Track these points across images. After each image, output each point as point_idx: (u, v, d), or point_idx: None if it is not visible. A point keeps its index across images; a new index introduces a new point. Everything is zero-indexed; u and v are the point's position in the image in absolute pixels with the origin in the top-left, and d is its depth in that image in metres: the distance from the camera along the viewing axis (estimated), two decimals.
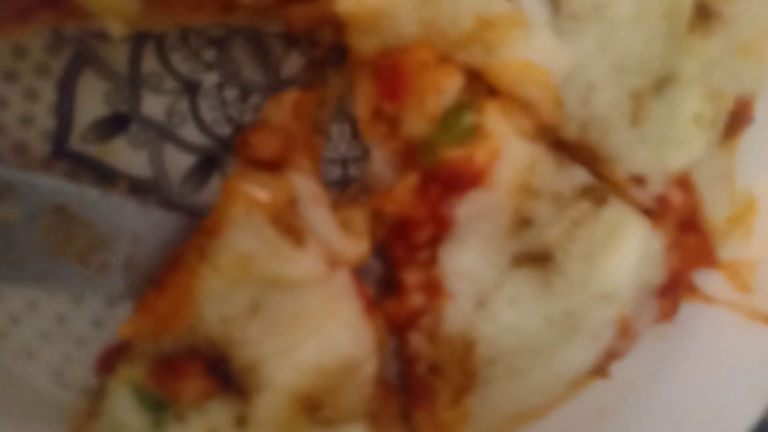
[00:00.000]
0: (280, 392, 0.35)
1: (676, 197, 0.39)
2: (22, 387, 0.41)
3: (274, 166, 0.37)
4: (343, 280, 0.37)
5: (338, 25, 0.37)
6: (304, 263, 0.35)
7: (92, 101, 0.41)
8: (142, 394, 0.35)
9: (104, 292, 0.39)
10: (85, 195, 0.36)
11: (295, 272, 0.35)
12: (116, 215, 0.37)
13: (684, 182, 0.39)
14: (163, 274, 0.36)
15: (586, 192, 0.38)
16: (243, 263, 0.35)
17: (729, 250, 0.43)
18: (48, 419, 0.41)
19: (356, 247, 0.37)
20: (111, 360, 0.38)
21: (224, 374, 0.35)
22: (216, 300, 0.34)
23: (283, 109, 0.39)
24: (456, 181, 0.36)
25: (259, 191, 0.35)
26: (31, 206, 0.35)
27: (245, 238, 0.35)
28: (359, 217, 0.38)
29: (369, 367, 0.37)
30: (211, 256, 0.35)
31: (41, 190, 0.36)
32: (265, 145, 0.37)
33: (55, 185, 0.36)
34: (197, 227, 0.36)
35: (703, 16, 0.38)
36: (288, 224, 0.35)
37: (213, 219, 0.35)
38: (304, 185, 0.37)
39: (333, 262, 0.36)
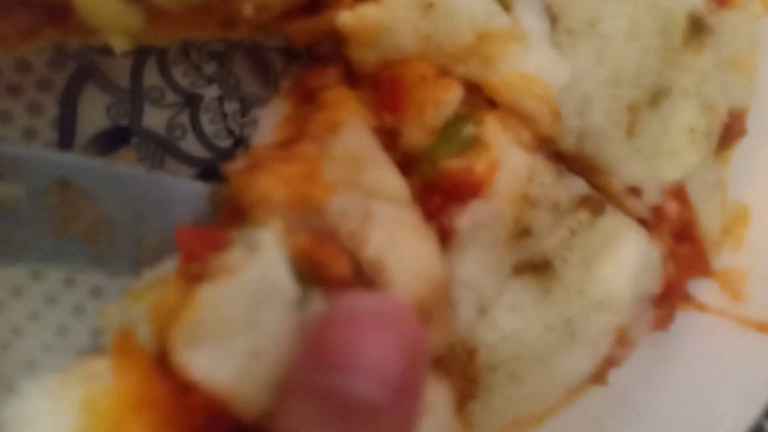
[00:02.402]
0: (404, 291, 0.32)
1: (671, 207, 0.40)
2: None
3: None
4: (418, 210, 0.35)
5: (338, 39, 0.38)
6: (398, 179, 0.34)
7: (94, 115, 0.41)
8: (296, 263, 0.30)
9: (113, 270, 0.36)
10: (90, 167, 0.34)
11: (392, 185, 0.34)
12: (124, 187, 0.34)
13: (678, 193, 0.40)
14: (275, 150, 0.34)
15: (583, 202, 0.38)
16: (356, 162, 0.33)
17: (722, 259, 0.44)
18: None
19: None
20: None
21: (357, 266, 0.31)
22: (338, 191, 0.32)
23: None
24: (456, 192, 0.36)
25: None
26: (34, 183, 0.34)
27: (357, 139, 0.34)
28: None
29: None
30: (332, 146, 0.34)
31: (44, 164, 0.34)
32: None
33: (59, 158, 0.34)
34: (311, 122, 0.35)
35: (696, 30, 0.39)
36: (384, 142, 0.35)
37: (329, 115, 0.35)
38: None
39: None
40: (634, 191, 0.39)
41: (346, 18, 0.36)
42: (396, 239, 0.32)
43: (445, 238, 0.37)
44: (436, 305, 0.33)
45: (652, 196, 0.39)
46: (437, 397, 0.35)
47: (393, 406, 0.24)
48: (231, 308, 0.28)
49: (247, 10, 0.36)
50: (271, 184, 0.31)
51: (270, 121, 0.40)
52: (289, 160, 0.33)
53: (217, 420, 0.28)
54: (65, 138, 0.41)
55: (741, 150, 0.43)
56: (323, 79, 0.38)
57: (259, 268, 0.29)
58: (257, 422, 0.28)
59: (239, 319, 0.28)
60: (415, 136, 0.37)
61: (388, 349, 0.24)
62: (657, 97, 0.38)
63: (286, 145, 0.36)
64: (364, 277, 0.31)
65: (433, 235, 0.35)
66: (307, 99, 0.39)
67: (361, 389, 0.24)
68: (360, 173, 0.33)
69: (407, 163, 0.39)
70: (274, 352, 0.28)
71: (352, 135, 0.34)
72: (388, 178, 0.35)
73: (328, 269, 0.30)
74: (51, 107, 0.41)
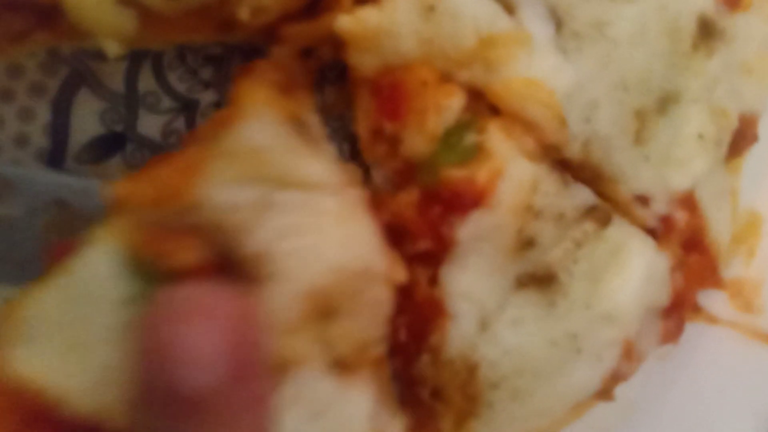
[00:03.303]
0: (294, 282, 0.30)
1: (681, 217, 0.39)
2: None
3: (281, 87, 0.35)
4: (356, 197, 0.34)
5: (337, 43, 0.37)
6: (319, 166, 0.32)
7: (88, 121, 0.41)
8: (131, 258, 0.30)
9: None
10: (86, 187, 0.36)
11: (309, 173, 0.32)
12: None
13: (688, 202, 0.39)
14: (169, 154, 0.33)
15: (589, 212, 0.37)
16: (257, 154, 0.31)
17: (732, 269, 0.43)
18: None
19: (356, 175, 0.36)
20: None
21: (227, 261, 0.30)
22: (227, 185, 0.30)
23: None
24: (457, 202, 0.35)
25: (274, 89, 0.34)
26: (31, 202, 0.35)
27: (260, 131, 0.32)
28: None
29: (384, 290, 0.33)
30: (224, 142, 0.32)
31: (41, 184, 0.35)
32: (272, 71, 0.36)
33: (55, 179, 0.36)
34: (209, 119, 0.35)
35: (706, 34, 0.38)
36: (302, 131, 0.34)
37: (227, 110, 0.34)
38: (310, 114, 0.36)
39: (341, 182, 0.34)
40: (642, 200, 0.38)
41: (345, 22, 0.36)
42: (302, 228, 0.31)
43: (446, 249, 0.36)
44: (345, 297, 0.32)
45: (660, 205, 0.38)
46: (352, 400, 0.33)
47: (224, 396, 0.25)
48: (54, 306, 0.29)
49: (243, 13, 0.35)
50: (132, 188, 0.31)
51: None
52: (169, 162, 0.32)
53: (48, 419, 0.28)
54: (58, 145, 0.40)
55: (753, 157, 0.42)
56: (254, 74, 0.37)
57: (83, 266, 0.29)
58: (94, 421, 0.28)
59: (62, 317, 0.29)
60: (416, 143, 0.36)
61: (208, 340, 0.25)
62: (665, 102, 0.37)
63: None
64: (242, 269, 0.30)
65: (370, 223, 0.33)
66: None
67: (183, 380, 0.24)
68: (264, 165, 0.31)
69: (408, 171, 0.38)
70: (102, 348, 0.28)
71: (253, 127, 0.32)
72: (304, 165, 0.32)
73: (171, 261, 0.29)
74: (44, 113, 0.40)
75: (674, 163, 0.38)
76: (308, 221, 0.31)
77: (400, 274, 0.34)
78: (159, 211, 0.30)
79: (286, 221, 0.31)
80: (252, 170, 0.31)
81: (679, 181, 0.38)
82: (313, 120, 0.36)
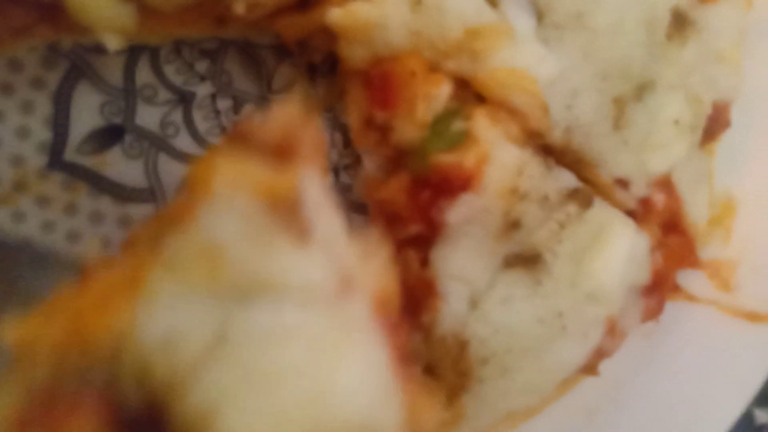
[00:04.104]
0: None
1: (659, 199, 0.40)
2: None
3: (276, 154, 0.26)
4: (359, 309, 0.25)
5: (329, 36, 0.39)
6: (306, 265, 0.24)
7: (87, 113, 0.42)
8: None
9: None
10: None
11: (290, 275, 0.24)
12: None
13: (666, 185, 0.41)
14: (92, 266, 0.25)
15: (572, 195, 0.39)
16: (214, 256, 0.23)
17: (710, 250, 0.45)
18: None
19: (375, 267, 0.26)
20: None
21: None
22: (164, 311, 0.22)
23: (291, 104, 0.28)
24: (447, 186, 0.37)
25: (253, 162, 0.25)
26: None
27: (224, 221, 0.24)
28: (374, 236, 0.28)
29: None
30: (169, 247, 0.24)
31: None
32: (269, 127, 0.27)
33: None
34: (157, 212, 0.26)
35: (680, 24, 0.39)
36: (287, 217, 0.24)
37: (181, 199, 0.25)
38: (312, 183, 0.26)
39: (345, 282, 0.25)
40: (622, 183, 0.40)
41: (336, 15, 0.37)
42: (269, 369, 0.22)
43: (436, 231, 0.38)
44: None
45: (639, 187, 0.40)
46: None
47: None
48: None
49: (239, 8, 0.36)
50: (38, 329, 0.23)
51: None
52: (92, 283, 0.24)
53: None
54: (59, 136, 0.42)
55: (727, 142, 0.44)
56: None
57: None
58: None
59: None
60: (406, 130, 0.38)
61: None
62: (643, 90, 0.39)
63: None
64: None
65: (378, 345, 0.24)
66: None
67: None
68: (225, 269, 0.23)
69: (398, 158, 0.39)
70: None
71: (215, 219, 0.24)
72: (282, 265, 0.24)
73: None
74: (44, 106, 0.41)
75: (652, 148, 0.39)
76: (278, 355, 0.23)
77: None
78: (66, 362, 0.22)
79: (247, 355, 0.22)
80: (207, 280, 0.23)
81: (657, 164, 0.40)
82: (314, 192, 0.26)
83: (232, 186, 0.24)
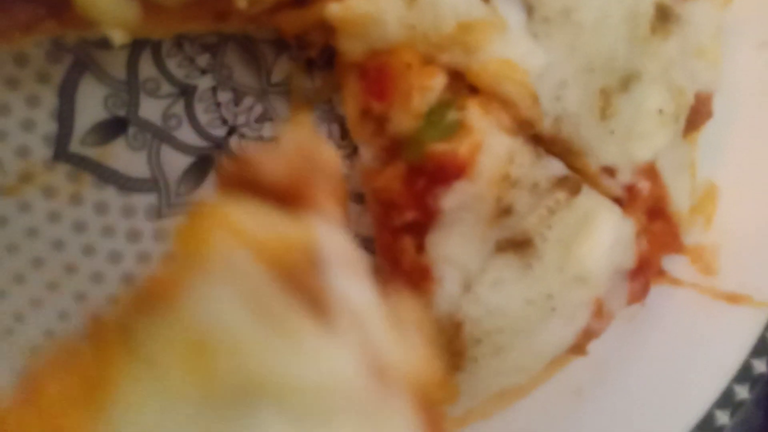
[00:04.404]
0: None
1: (644, 186, 0.42)
2: None
3: (285, 200, 0.21)
4: (399, 411, 0.19)
5: (327, 30, 0.40)
6: (331, 357, 0.18)
7: (92, 106, 0.43)
8: None
9: None
10: None
11: (309, 373, 0.18)
12: None
13: (650, 172, 0.42)
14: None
15: (561, 182, 0.41)
16: (206, 348, 0.18)
17: (693, 236, 0.47)
18: None
19: (416, 351, 0.21)
20: None
21: None
22: (138, 426, 0.18)
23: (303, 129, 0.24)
24: (441, 174, 0.38)
25: (257, 216, 0.20)
26: None
27: (219, 300, 0.18)
28: (411, 309, 0.22)
29: None
30: (146, 336, 0.18)
31: None
32: (273, 164, 0.22)
33: None
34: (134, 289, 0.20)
35: (663, 19, 0.41)
36: (302, 289, 0.19)
37: (164, 272, 0.19)
38: (331, 237, 0.21)
39: (380, 374, 0.20)
40: (609, 171, 0.41)
41: (334, 10, 0.38)
42: None
43: (431, 218, 0.40)
44: None
45: (625, 175, 0.41)
46: None
47: None
48: None
49: (241, 3, 0.38)
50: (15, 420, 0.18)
51: None
52: (64, 378, 0.18)
53: None
54: (64, 129, 0.43)
55: (709, 132, 0.45)
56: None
57: None
58: None
59: None
60: (402, 121, 0.39)
61: None
62: (628, 81, 0.41)
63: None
64: None
65: None
66: None
67: None
68: (221, 367, 0.18)
69: (394, 148, 0.41)
70: None
71: (208, 295, 0.18)
72: (306, 357, 0.18)
73: None
74: (50, 99, 0.42)
75: (637, 137, 0.41)
76: None
77: None
78: None
79: None
80: (197, 382, 0.18)
81: (642, 153, 0.41)
82: (334, 250, 0.20)
83: (230, 249, 0.19)
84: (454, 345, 0.39)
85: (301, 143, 0.22)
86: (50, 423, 0.18)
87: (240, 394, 0.17)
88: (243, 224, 0.19)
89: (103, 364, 0.18)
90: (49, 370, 0.19)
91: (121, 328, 0.19)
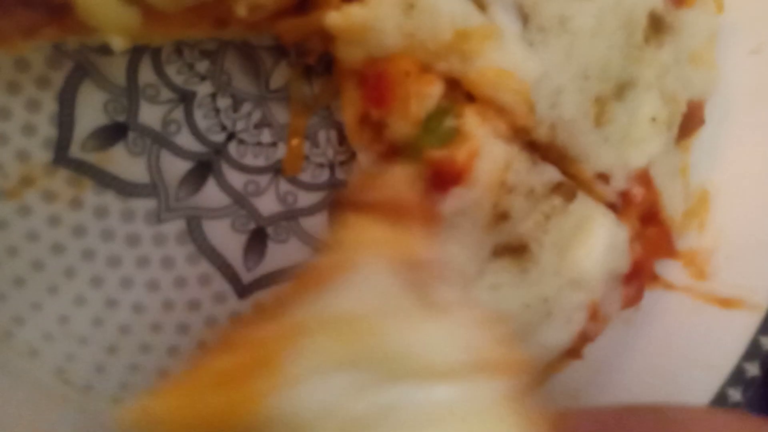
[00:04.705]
0: None
1: (638, 192, 0.43)
2: (26, 384, 0.43)
3: (391, 215, 0.26)
4: (496, 388, 0.23)
5: (326, 37, 0.40)
6: (443, 340, 0.23)
7: (92, 111, 0.43)
8: None
9: None
10: None
11: (430, 353, 0.23)
12: None
13: (644, 179, 0.43)
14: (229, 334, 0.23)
15: (556, 188, 0.41)
16: (356, 328, 0.22)
17: (686, 240, 0.47)
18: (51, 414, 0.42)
19: (499, 339, 0.24)
20: None
21: None
22: (311, 386, 0.21)
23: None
24: (439, 180, 0.39)
25: (384, 228, 0.25)
26: None
27: (368, 289, 0.23)
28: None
29: None
30: (307, 314, 0.23)
31: None
32: (383, 188, 0.28)
33: None
34: (294, 279, 0.24)
35: (657, 28, 0.42)
36: (421, 287, 0.24)
37: (329, 261, 0.24)
38: (433, 247, 0.26)
39: (481, 366, 0.24)
40: (603, 177, 0.42)
41: (334, 18, 0.38)
42: None
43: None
44: None
45: (619, 181, 0.42)
46: None
47: None
48: None
49: (241, 10, 0.38)
50: (172, 403, 0.21)
51: None
52: (235, 348, 0.22)
53: None
54: (64, 133, 0.43)
55: (703, 137, 0.46)
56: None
57: None
58: None
59: None
60: (401, 128, 0.40)
61: None
62: (622, 89, 0.41)
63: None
64: None
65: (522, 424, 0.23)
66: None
67: None
68: (368, 343, 0.22)
69: (392, 154, 0.41)
70: None
71: (359, 285, 0.23)
72: (424, 341, 0.23)
73: None
74: (50, 104, 0.43)
75: (631, 144, 0.42)
76: None
77: None
78: None
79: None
80: (350, 353, 0.22)
81: (636, 159, 0.42)
82: (436, 256, 0.26)
83: (374, 253, 0.24)
84: None
85: (398, 175, 0.29)
86: (226, 395, 0.21)
87: (382, 365, 0.22)
88: (376, 233, 0.25)
89: (271, 341, 0.22)
90: (218, 349, 0.23)
91: (285, 308, 0.23)
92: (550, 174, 0.41)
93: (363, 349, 0.22)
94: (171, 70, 0.44)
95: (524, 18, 0.40)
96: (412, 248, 0.25)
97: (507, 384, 0.24)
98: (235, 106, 0.45)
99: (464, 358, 0.23)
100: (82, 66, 0.43)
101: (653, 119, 0.42)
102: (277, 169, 0.45)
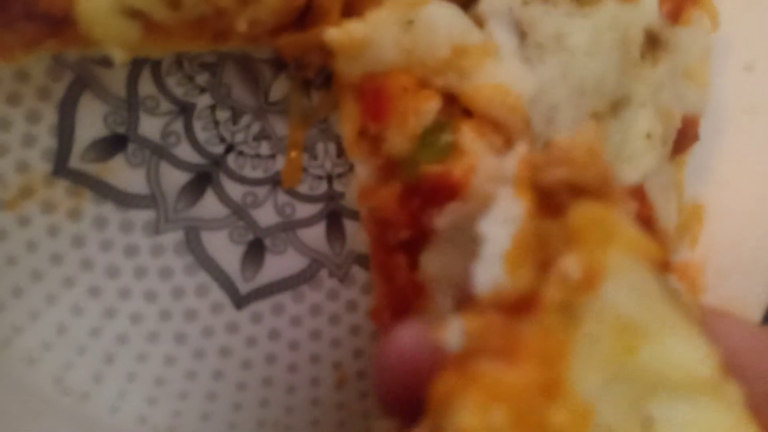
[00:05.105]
0: None
1: (632, 207, 0.43)
2: (25, 392, 0.43)
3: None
4: (739, 395, 0.23)
5: (325, 52, 0.41)
6: (696, 348, 0.22)
7: (92, 123, 0.43)
8: None
9: None
10: None
11: (688, 364, 0.22)
12: None
13: (638, 193, 0.44)
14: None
15: None
16: (628, 334, 0.22)
17: (679, 254, 0.48)
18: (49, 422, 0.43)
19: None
20: None
21: None
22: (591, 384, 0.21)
23: None
24: (435, 194, 0.39)
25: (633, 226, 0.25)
26: None
27: (625, 294, 0.23)
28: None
29: None
30: (585, 318, 0.22)
31: None
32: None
33: None
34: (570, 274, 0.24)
35: (652, 44, 0.42)
36: (667, 285, 0.24)
37: (586, 267, 0.23)
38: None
39: (724, 378, 0.23)
40: None
41: (333, 33, 0.39)
42: None
43: (425, 237, 0.40)
44: None
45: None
46: None
47: None
48: None
49: (241, 25, 0.39)
50: (478, 410, 0.21)
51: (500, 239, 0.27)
52: (511, 354, 0.22)
53: None
54: (64, 145, 0.43)
55: (697, 152, 0.47)
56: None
57: None
58: None
59: None
60: (398, 142, 0.40)
61: None
62: (617, 105, 0.42)
63: (516, 307, 0.24)
64: None
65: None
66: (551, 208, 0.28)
67: None
68: (639, 350, 0.22)
69: (389, 168, 0.41)
70: None
71: (619, 288, 0.23)
72: (682, 350, 0.22)
73: None
74: (50, 115, 0.43)
75: (626, 159, 0.42)
76: None
77: None
78: None
79: None
80: (623, 361, 0.21)
81: (630, 175, 0.43)
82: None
83: (629, 250, 0.24)
84: None
85: None
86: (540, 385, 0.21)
87: (649, 376, 0.22)
88: (628, 232, 0.25)
89: (554, 339, 0.22)
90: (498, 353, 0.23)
91: (565, 308, 0.23)
92: None
93: (633, 358, 0.22)
94: (171, 82, 0.44)
95: (521, 35, 0.41)
96: (664, 252, 0.25)
97: (744, 396, 0.23)
98: (235, 118, 0.45)
99: (712, 370, 0.22)
100: (83, 77, 0.43)
101: (648, 135, 0.42)
102: (275, 181, 0.45)
